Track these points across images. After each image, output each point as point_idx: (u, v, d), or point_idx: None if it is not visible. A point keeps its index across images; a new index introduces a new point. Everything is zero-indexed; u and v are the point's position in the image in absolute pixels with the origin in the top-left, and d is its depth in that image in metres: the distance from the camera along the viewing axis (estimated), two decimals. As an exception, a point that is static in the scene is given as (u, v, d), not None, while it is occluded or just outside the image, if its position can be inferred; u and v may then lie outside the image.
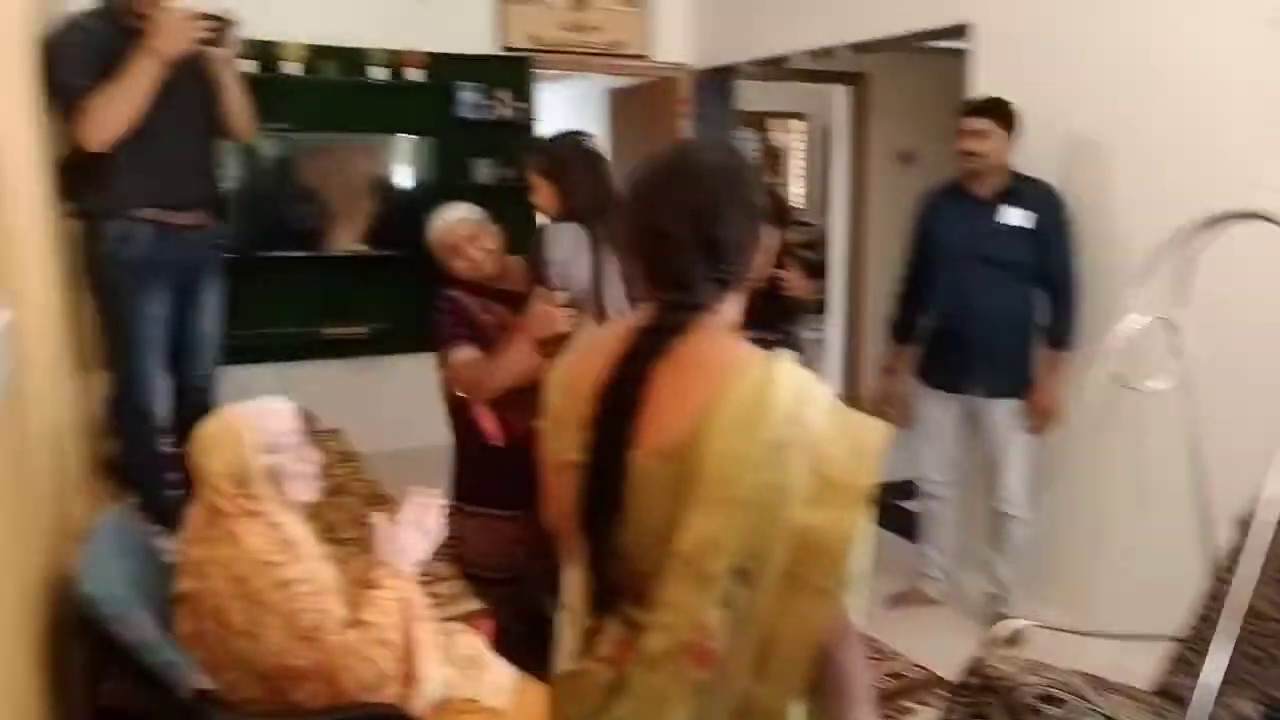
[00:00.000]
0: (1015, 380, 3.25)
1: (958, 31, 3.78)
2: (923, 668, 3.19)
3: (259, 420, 1.78)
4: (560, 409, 1.22)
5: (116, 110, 2.51)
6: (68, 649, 1.83)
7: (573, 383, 1.21)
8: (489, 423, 2.73)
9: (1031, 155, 3.27)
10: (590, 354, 1.22)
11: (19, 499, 1.56)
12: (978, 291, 3.22)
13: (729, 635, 1.09)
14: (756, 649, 1.10)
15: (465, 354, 2.59)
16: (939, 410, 3.43)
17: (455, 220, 2.67)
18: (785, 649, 1.10)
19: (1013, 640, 3.12)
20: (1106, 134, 3.20)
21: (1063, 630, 2.28)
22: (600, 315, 2.49)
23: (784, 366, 1.13)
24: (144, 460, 2.90)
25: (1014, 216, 3.17)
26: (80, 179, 2.63)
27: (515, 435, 2.63)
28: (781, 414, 1.09)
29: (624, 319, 2.43)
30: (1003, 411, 3.28)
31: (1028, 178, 3.22)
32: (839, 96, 6.61)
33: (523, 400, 2.46)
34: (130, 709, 1.94)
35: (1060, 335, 3.19)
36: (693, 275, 1.16)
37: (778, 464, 1.07)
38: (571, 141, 2.63)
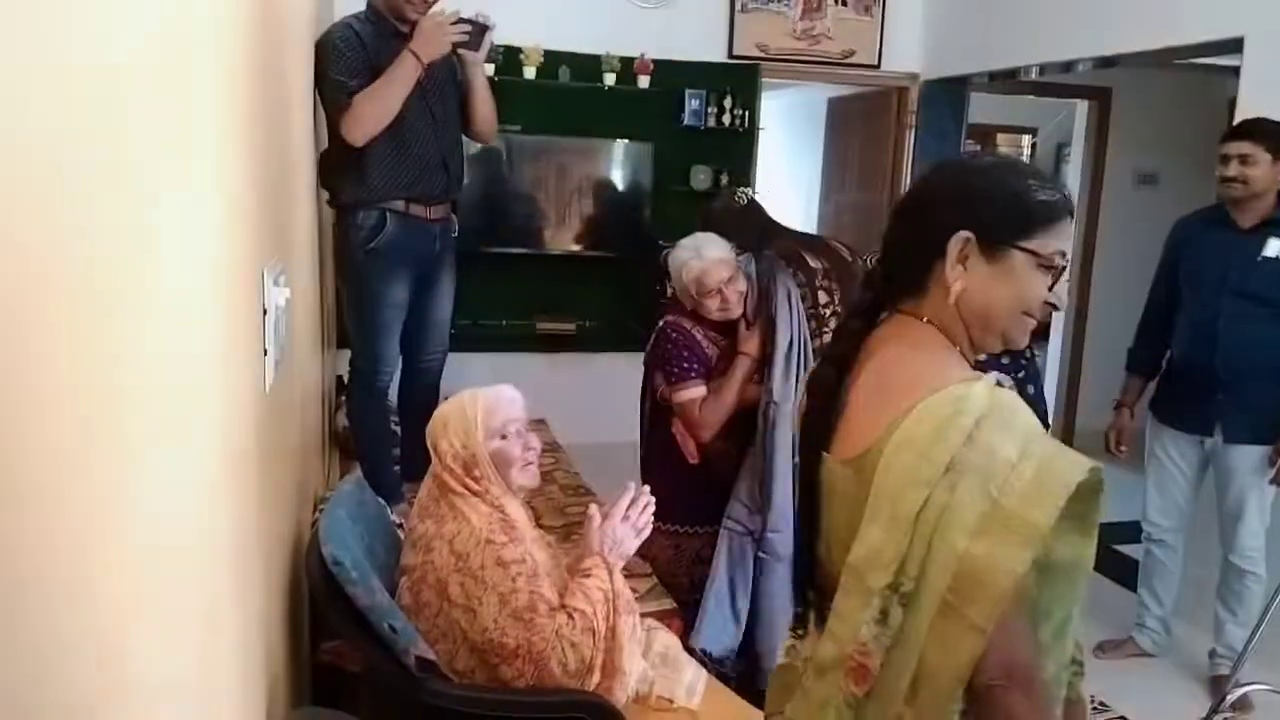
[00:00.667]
0: (1263, 425, 3.03)
1: (1229, 46, 3.51)
2: (1127, 721, 2.99)
3: (492, 406, 1.87)
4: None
5: (379, 108, 2.69)
6: (300, 606, 1.98)
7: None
8: (691, 440, 2.73)
9: None
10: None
11: (280, 465, 1.71)
12: (1230, 327, 3.03)
13: (884, 654, 1.07)
14: (911, 674, 1.07)
15: (698, 392, 2.61)
16: (1174, 451, 3.24)
17: (716, 260, 2.58)
18: (935, 679, 1.06)
19: (1241, 706, 2.97)
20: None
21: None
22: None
23: (981, 388, 1.09)
24: (375, 434, 3.10)
25: (1274, 248, 2.96)
26: (338, 171, 2.83)
27: (709, 453, 2.68)
28: (961, 435, 1.06)
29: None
30: (1246, 458, 3.06)
31: None
32: (1078, 112, 6.25)
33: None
34: (345, 667, 2.09)
35: None
36: (905, 278, 1.20)
37: (947, 485, 1.05)
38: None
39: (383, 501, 2.65)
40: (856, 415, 1.17)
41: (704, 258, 2.59)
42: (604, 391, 3.94)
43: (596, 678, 1.76)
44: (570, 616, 1.76)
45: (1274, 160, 2.94)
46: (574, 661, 1.74)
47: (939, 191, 1.21)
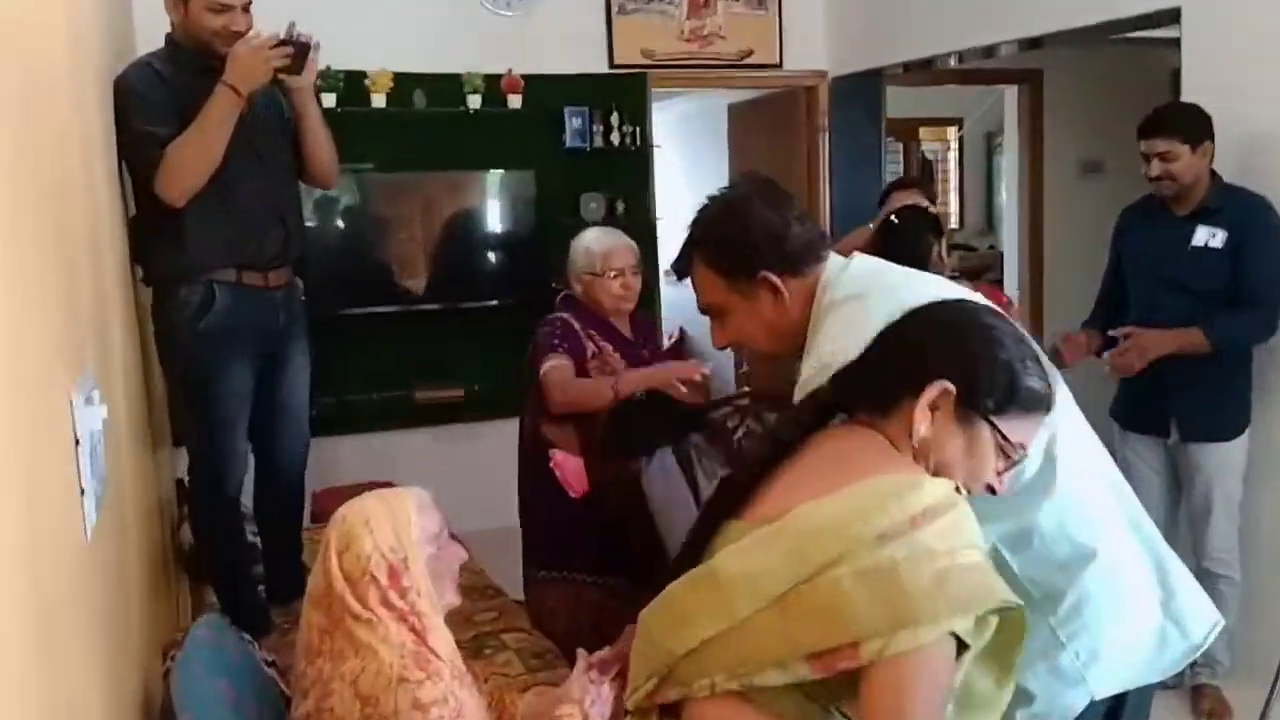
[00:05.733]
0: (1217, 420, 3.29)
1: (1165, 17, 3.71)
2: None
3: (425, 505, 1.80)
4: None
5: (198, 157, 2.62)
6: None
7: None
8: (571, 470, 2.94)
9: (1253, 162, 3.24)
10: None
11: (115, 614, 1.61)
12: (1169, 321, 3.24)
13: None
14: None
15: (558, 362, 2.94)
16: (1139, 457, 3.46)
17: (621, 245, 3.05)
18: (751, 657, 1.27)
19: (1215, 713, 3.30)
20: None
21: None
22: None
23: (943, 484, 1.27)
24: (226, 554, 2.98)
25: (1203, 236, 3.21)
26: (151, 239, 2.74)
27: (596, 486, 2.89)
28: (906, 514, 1.21)
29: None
30: (1206, 455, 3.30)
31: (1234, 189, 3.23)
32: (1008, 98, 6.50)
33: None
34: None
35: (1214, 334, 3.14)
36: (871, 394, 1.39)
37: (871, 549, 1.19)
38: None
39: (247, 638, 2.54)
40: (785, 487, 1.33)
41: (616, 237, 3.05)
42: (502, 465, 3.86)
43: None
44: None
45: (1194, 149, 3.16)
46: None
47: (939, 330, 1.38)
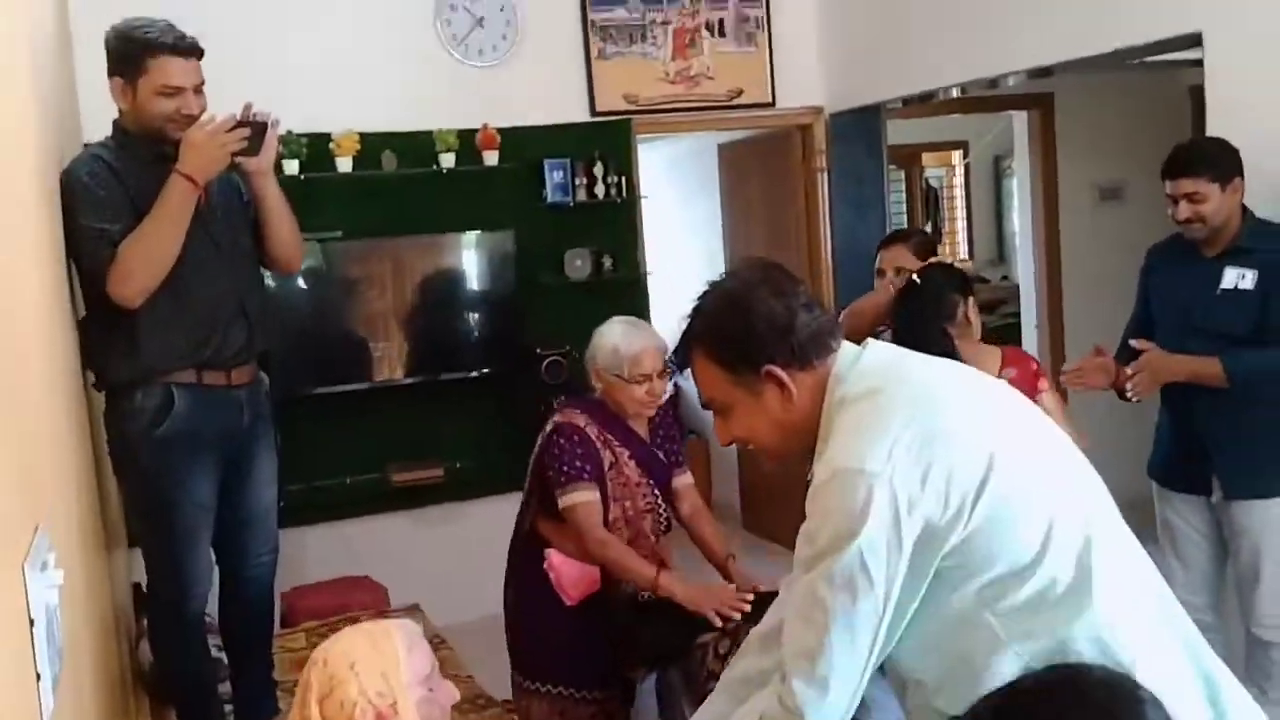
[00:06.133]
0: (1265, 474, 3.26)
1: (1185, 42, 3.75)
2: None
3: (414, 642, 1.76)
4: None
5: (153, 254, 2.60)
6: None
7: None
8: (567, 575, 2.95)
9: (1276, 205, 3.26)
10: None
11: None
12: None
13: None
14: None
15: (589, 496, 2.92)
16: (1181, 517, 3.48)
17: (651, 346, 2.98)
18: None
19: None
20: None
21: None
22: None
23: None
24: (191, 678, 2.95)
25: (1232, 277, 3.22)
26: (102, 342, 2.72)
27: (593, 594, 2.92)
28: None
29: None
30: (1254, 513, 3.27)
31: (1269, 226, 3.24)
32: (1016, 122, 6.55)
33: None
34: None
35: (1233, 365, 3.12)
36: None
37: None
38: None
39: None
40: None
41: (648, 338, 2.99)
42: (487, 549, 3.84)
43: None
44: None
45: (1223, 187, 3.17)
46: None
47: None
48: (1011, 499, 1.55)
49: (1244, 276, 3.19)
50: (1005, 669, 1.56)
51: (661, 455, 3.14)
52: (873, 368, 1.72)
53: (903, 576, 1.54)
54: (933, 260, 3.44)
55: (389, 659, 1.72)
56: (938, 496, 1.53)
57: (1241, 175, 3.18)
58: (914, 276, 3.16)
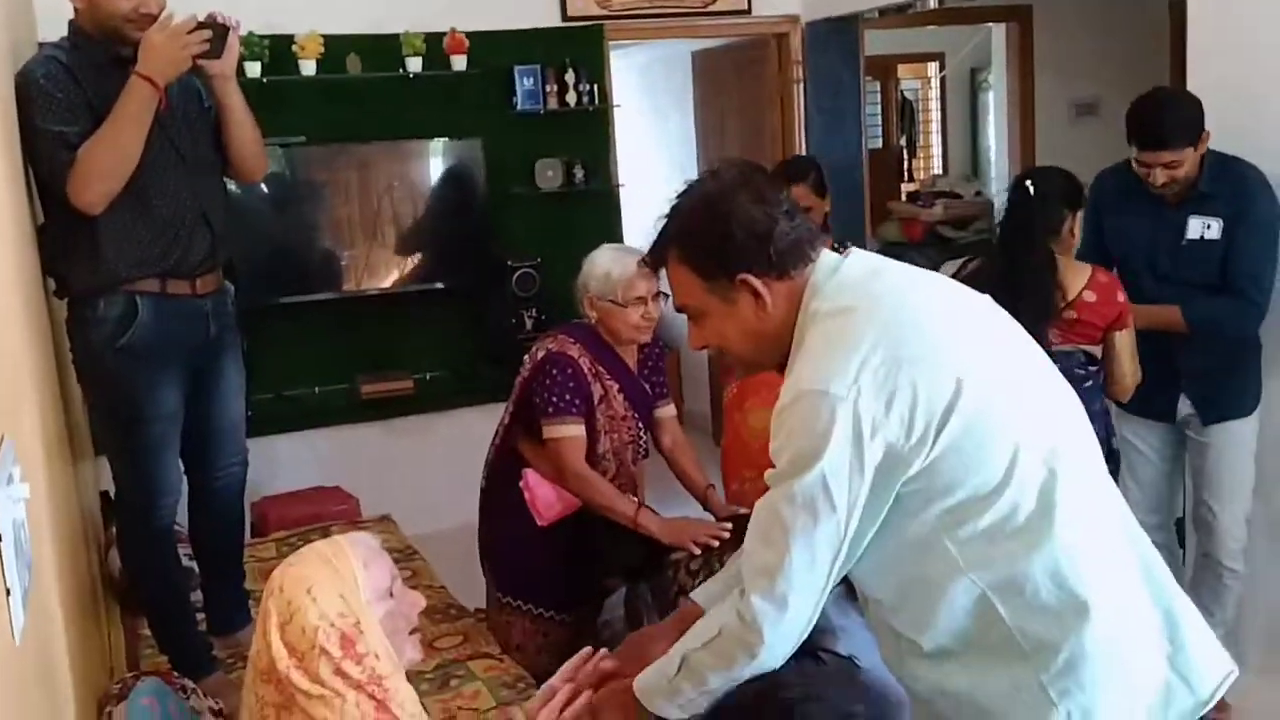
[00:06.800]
0: (1233, 398, 3.35)
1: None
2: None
3: (371, 555, 1.74)
4: None
5: (114, 158, 2.54)
6: None
7: None
8: (542, 496, 2.98)
9: (1259, 122, 3.24)
10: None
11: (50, 700, 1.58)
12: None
13: None
14: None
15: (575, 431, 2.94)
16: (1140, 439, 3.55)
17: (649, 272, 2.86)
18: None
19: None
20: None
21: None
22: None
23: None
24: (163, 588, 2.94)
25: (1197, 227, 3.22)
26: (63, 250, 2.67)
27: (562, 516, 2.96)
28: None
29: None
30: (1220, 435, 3.36)
31: (1228, 165, 3.19)
32: (995, 35, 6.50)
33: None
34: None
35: (1192, 314, 3.18)
36: None
37: None
38: None
39: (190, 687, 2.52)
40: None
41: (627, 266, 2.93)
42: (457, 459, 3.87)
43: None
44: None
45: (1195, 147, 3.13)
46: None
47: None
48: (976, 428, 1.54)
49: (1209, 226, 3.18)
50: (960, 597, 1.58)
51: (647, 387, 3.14)
52: (850, 282, 1.69)
53: (864, 500, 1.54)
54: (1045, 166, 3.36)
55: (346, 579, 1.70)
56: (901, 422, 1.52)
57: (1204, 125, 3.13)
58: (1027, 183, 3.08)
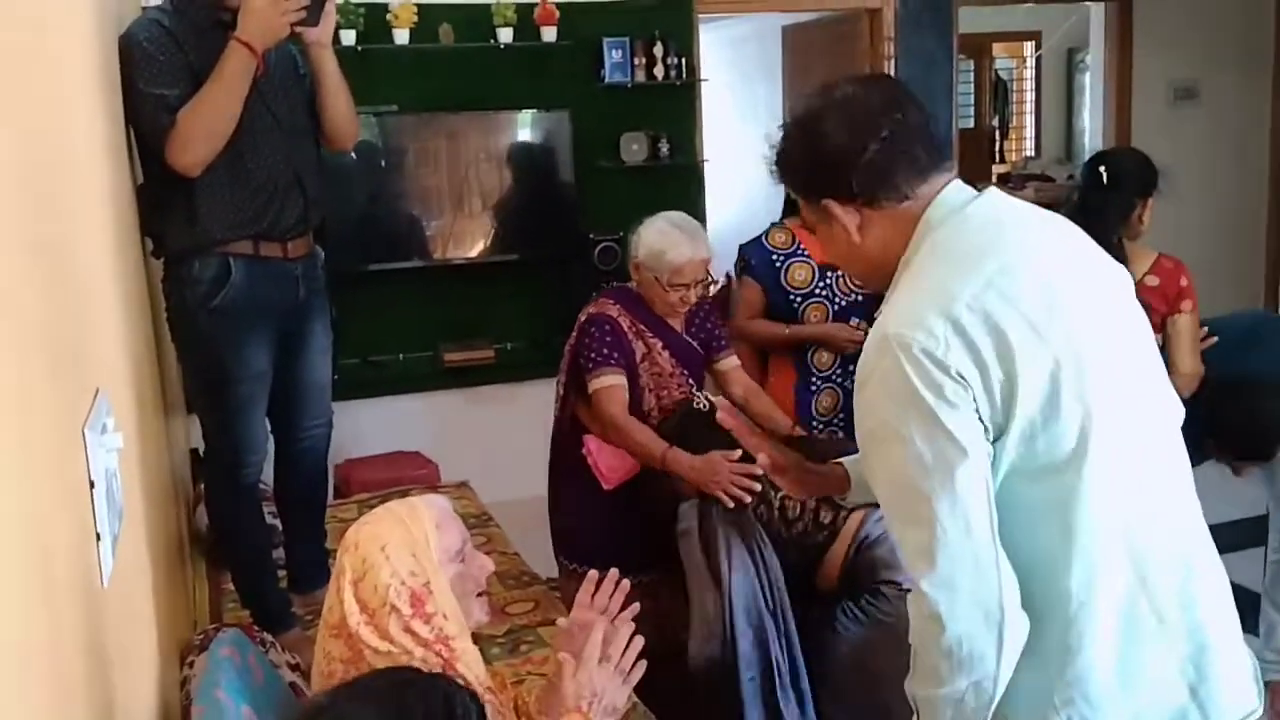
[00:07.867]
0: None
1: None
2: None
3: (443, 518, 1.77)
4: None
5: (213, 122, 2.58)
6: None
7: None
8: (605, 459, 3.01)
9: None
10: None
11: (137, 646, 1.62)
12: None
13: None
14: None
15: (616, 380, 2.99)
16: None
17: (698, 259, 3.00)
18: None
19: None
20: None
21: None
22: None
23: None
24: (247, 546, 3.00)
25: None
26: (160, 211, 2.72)
27: (627, 478, 2.99)
28: None
29: None
30: None
31: None
32: (1093, 13, 6.34)
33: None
34: None
35: None
36: None
37: None
38: None
39: (269, 641, 2.58)
40: None
41: (695, 248, 2.99)
42: (537, 429, 3.89)
43: None
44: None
45: None
46: None
47: None
48: (1052, 408, 1.46)
49: None
50: None
51: (696, 345, 3.15)
52: (974, 224, 1.57)
53: (978, 432, 1.45)
54: (1122, 146, 3.31)
55: (419, 539, 1.73)
56: (985, 393, 1.44)
57: None
58: (1100, 166, 3.03)
